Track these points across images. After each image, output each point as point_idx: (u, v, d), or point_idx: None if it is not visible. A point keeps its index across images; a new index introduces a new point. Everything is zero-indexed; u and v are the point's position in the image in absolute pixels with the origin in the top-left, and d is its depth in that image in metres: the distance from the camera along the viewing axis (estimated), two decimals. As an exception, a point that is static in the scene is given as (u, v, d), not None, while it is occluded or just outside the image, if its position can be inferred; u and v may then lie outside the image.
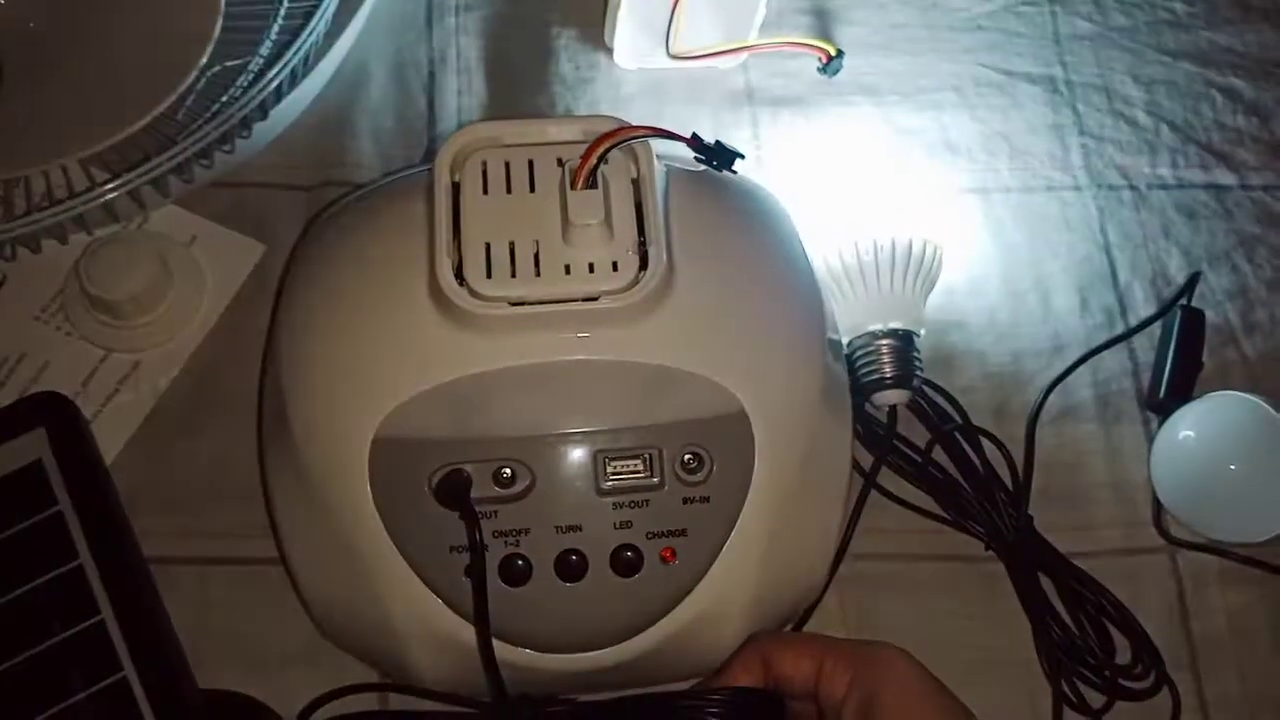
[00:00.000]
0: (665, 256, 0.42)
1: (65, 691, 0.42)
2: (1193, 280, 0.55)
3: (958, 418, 0.51)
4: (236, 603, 0.47)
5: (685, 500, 0.42)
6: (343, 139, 0.56)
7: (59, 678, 0.42)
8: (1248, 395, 0.49)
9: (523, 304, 0.41)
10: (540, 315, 0.42)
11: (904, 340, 0.50)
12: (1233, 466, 0.49)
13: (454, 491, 0.41)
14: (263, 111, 0.53)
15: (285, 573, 0.45)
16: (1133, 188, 0.58)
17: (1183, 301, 0.54)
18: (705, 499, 0.42)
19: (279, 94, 0.53)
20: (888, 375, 0.49)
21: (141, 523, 0.47)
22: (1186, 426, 0.50)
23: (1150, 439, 0.52)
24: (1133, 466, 0.52)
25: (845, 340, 0.50)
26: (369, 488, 0.41)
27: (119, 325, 0.50)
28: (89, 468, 0.46)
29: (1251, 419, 0.48)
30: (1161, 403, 0.52)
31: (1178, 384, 0.52)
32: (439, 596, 0.41)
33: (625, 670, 0.42)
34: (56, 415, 0.47)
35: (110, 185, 0.50)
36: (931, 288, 0.51)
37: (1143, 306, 0.55)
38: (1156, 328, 0.54)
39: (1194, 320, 0.54)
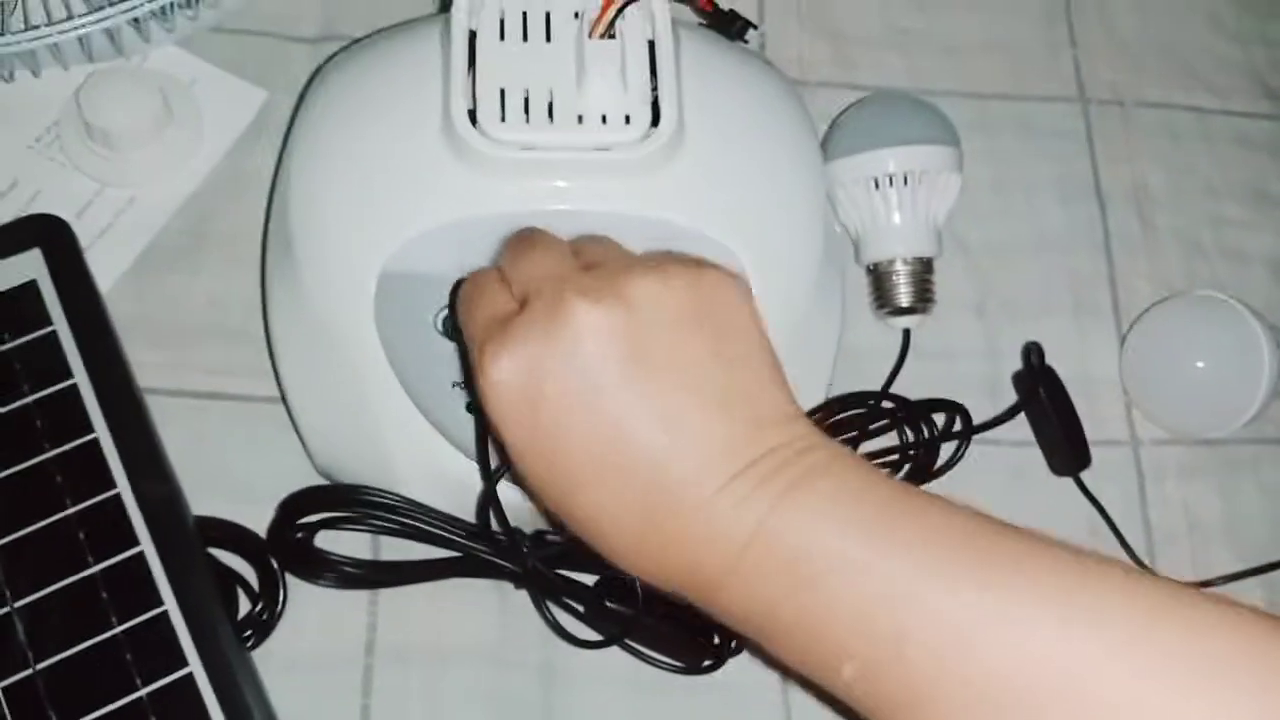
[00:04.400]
0: (677, 113, 0.42)
1: (57, 505, 0.42)
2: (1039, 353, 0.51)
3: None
4: (230, 437, 0.47)
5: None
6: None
7: (51, 492, 0.43)
8: (1213, 293, 0.51)
9: (534, 149, 0.42)
10: (550, 161, 0.42)
11: (923, 265, 0.51)
12: (1200, 364, 0.51)
13: (461, 325, 0.41)
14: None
15: (280, 411, 0.46)
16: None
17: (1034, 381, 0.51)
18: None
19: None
20: (903, 303, 0.51)
21: (134, 355, 0.46)
22: (1153, 328, 0.52)
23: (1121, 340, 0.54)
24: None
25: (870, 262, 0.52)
26: (374, 321, 0.42)
27: (115, 158, 0.50)
28: (85, 289, 0.46)
29: (1217, 316, 0.51)
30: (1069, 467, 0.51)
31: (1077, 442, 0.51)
32: (439, 430, 0.42)
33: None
34: (52, 236, 0.47)
35: (111, 10, 0.49)
36: (946, 210, 0.52)
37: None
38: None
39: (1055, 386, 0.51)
